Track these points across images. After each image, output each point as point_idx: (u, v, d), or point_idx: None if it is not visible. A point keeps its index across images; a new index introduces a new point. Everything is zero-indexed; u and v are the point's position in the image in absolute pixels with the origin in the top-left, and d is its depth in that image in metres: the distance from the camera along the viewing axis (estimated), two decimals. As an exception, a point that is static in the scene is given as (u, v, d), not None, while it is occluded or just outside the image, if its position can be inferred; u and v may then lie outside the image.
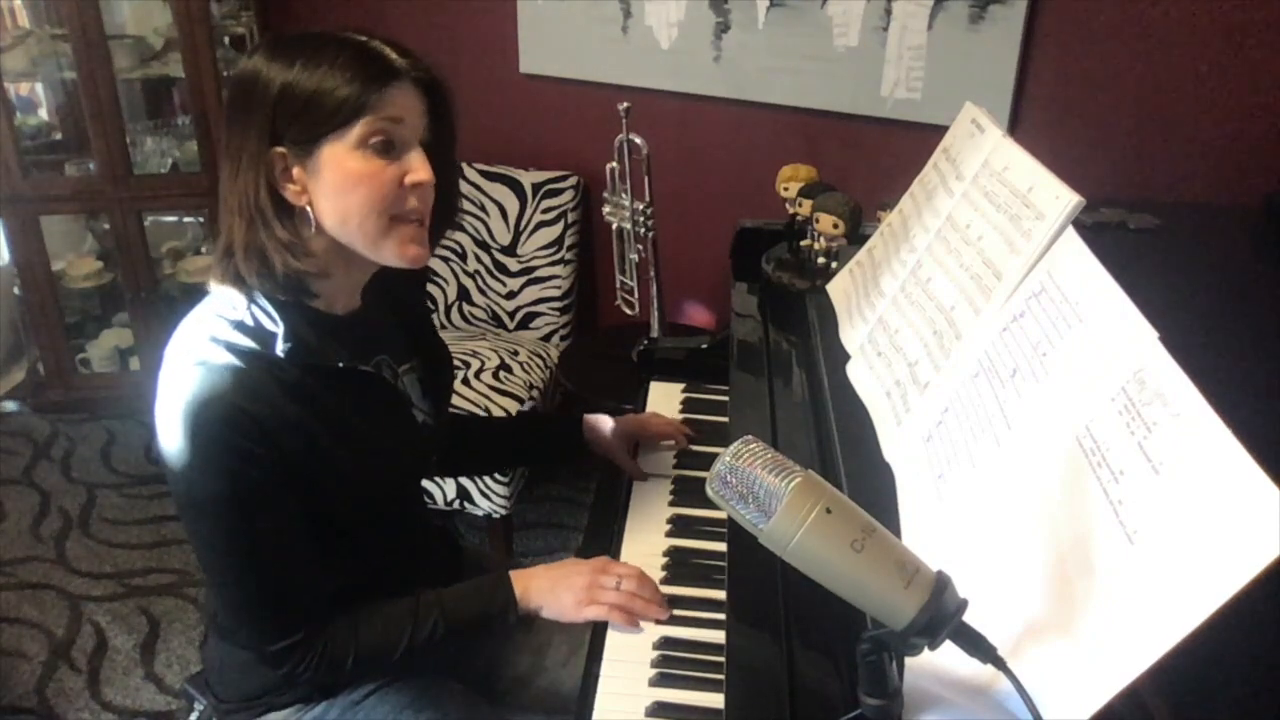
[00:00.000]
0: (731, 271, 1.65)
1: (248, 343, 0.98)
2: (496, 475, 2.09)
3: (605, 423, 1.42)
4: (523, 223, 2.58)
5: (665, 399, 1.58)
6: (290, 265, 0.98)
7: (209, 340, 0.98)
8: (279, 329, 0.99)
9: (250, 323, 1.00)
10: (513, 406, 2.24)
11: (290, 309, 1.01)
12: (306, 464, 1.00)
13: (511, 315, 2.64)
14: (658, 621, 1.11)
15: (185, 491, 0.98)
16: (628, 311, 2.29)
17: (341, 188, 0.97)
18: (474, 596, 1.14)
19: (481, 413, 2.17)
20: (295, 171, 0.97)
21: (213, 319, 1.01)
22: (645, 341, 1.64)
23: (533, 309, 2.62)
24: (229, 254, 1.00)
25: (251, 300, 1.01)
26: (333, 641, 1.06)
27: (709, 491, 0.70)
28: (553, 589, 1.13)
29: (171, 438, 0.97)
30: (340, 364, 1.04)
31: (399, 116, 0.97)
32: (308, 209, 0.98)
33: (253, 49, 0.99)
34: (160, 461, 1.01)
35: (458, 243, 2.64)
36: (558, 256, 2.57)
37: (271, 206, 0.97)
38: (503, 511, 2.14)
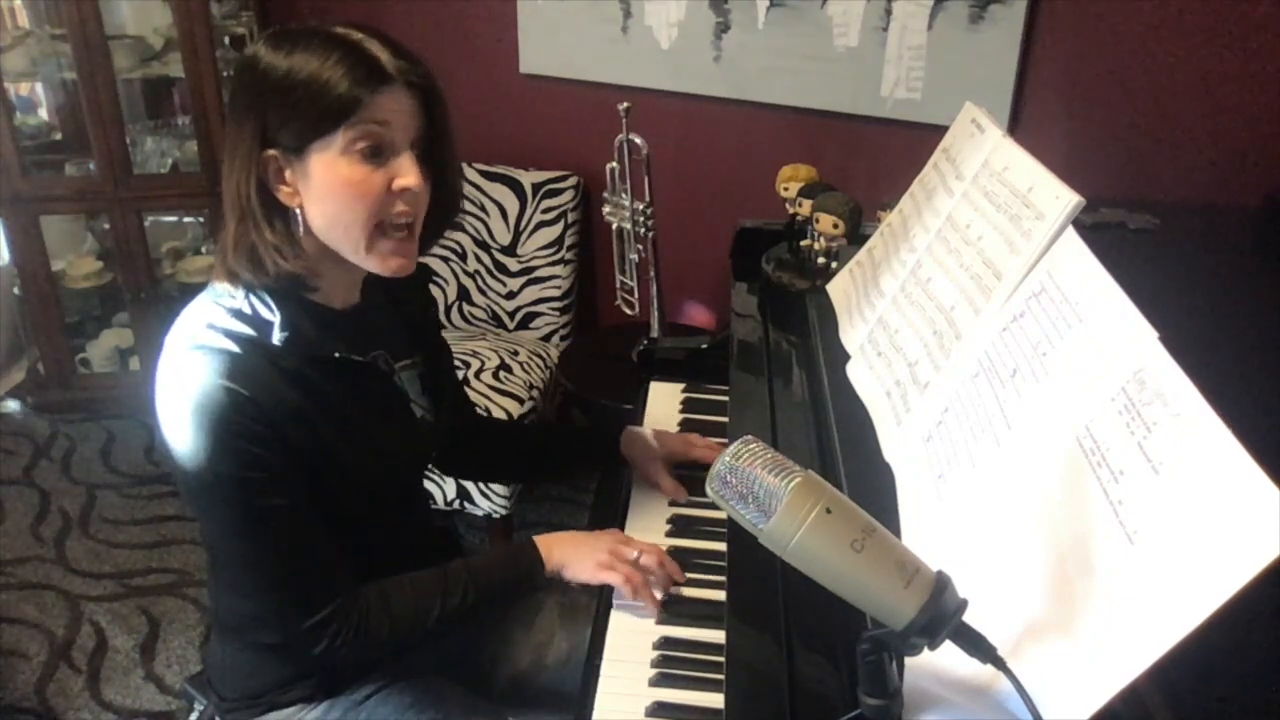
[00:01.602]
0: (731, 271, 1.65)
1: (245, 330, 0.99)
2: (497, 475, 2.09)
3: (646, 438, 1.38)
4: (523, 223, 2.58)
5: (665, 399, 1.58)
6: (280, 265, 0.99)
7: (207, 327, 0.99)
8: (276, 318, 1.00)
9: (248, 311, 1.01)
10: (513, 406, 2.24)
11: (288, 300, 1.02)
12: (309, 452, 1.01)
13: (511, 315, 2.64)
14: (658, 622, 1.12)
15: (195, 477, 0.98)
16: (628, 311, 2.29)
17: (329, 193, 0.97)
18: (501, 560, 1.16)
19: (481, 412, 2.17)
20: (287, 174, 0.98)
21: (211, 306, 1.01)
22: (645, 341, 1.64)
23: (533, 309, 2.62)
24: (226, 250, 1.01)
25: (250, 290, 1.01)
26: (367, 612, 1.06)
27: (709, 491, 0.70)
28: (576, 549, 1.16)
29: (174, 425, 0.98)
30: (336, 354, 1.04)
31: (386, 120, 0.96)
32: (298, 211, 0.99)
33: (260, 36, 1.00)
34: (165, 453, 1.01)
35: (458, 243, 2.64)
36: (558, 256, 2.57)
37: (262, 207, 0.98)
38: (503, 511, 2.15)
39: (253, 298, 1.01)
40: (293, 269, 1.00)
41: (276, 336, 0.99)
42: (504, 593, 1.15)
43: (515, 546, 1.17)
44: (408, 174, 0.98)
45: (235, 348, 0.98)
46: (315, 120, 0.94)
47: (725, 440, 1.41)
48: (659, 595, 1.13)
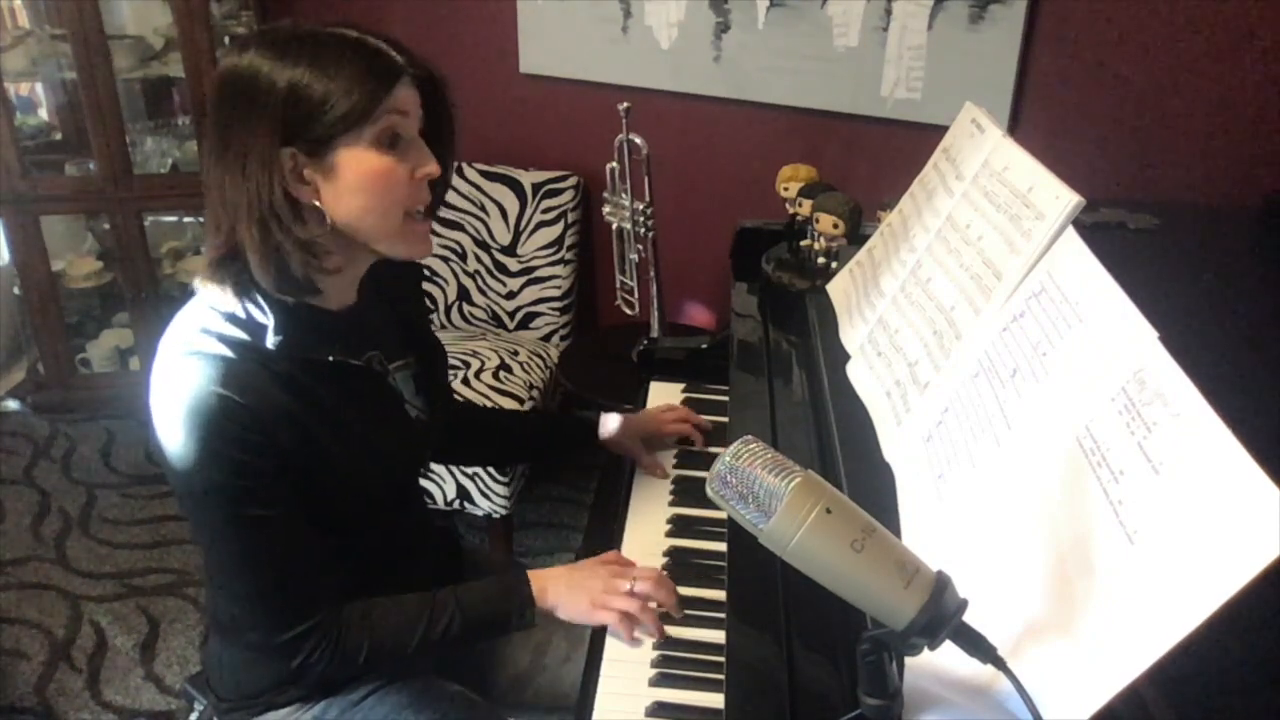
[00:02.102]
0: (731, 271, 1.65)
1: (239, 334, 0.99)
2: (496, 475, 2.09)
3: (619, 421, 1.41)
4: (523, 223, 2.58)
5: (665, 399, 1.57)
6: (310, 264, 0.99)
7: (200, 332, 0.99)
8: (269, 321, 1.00)
9: (241, 315, 1.00)
10: (512, 406, 2.23)
11: (281, 304, 1.01)
12: (301, 456, 1.00)
13: (511, 315, 2.64)
14: (658, 635, 1.11)
15: (185, 481, 0.98)
16: (628, 311, 2.29)
17: (361, 186, 0.98)
18: (491, 593, 1.13)
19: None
20: (306, 172, 0.97)
21: (205, 311, 1.01)
22: (645, 341, 1.64)
23: (533, 309, 2.62)
24: (233, 258, 0.99)
25: (243, 293, 1.01)
26: (346, 630, 1.06)
27: (709, 491, 0.70)
28: (569, 590, 1.13)
29: (167, 429, 0.97)
30: (330, 357, 1.04)
31: (406, 111, 0.99)
32: (319, 207, 0.99)
33: (242, 45, 0.98)
34: (159, 456, 1.01)
35: (458, 243, 2.64)
36: (558, 256, 2.57)
37: (289, 209, 0.97)
38: (503, 511, 2.14)
39: (246, 301, 1.01)
40: (321, 265, 1.00)
41: (270, 340, 0.99)
42: (490, 628, 1.13)
43: (509, 582, 1.14)
44: (429, 162, 1.01)
45: (229, 353, 0.97)
46: (342, 117, 0.95)
47: (696, 417, 1.47)
48: (670, 610, 1.11)
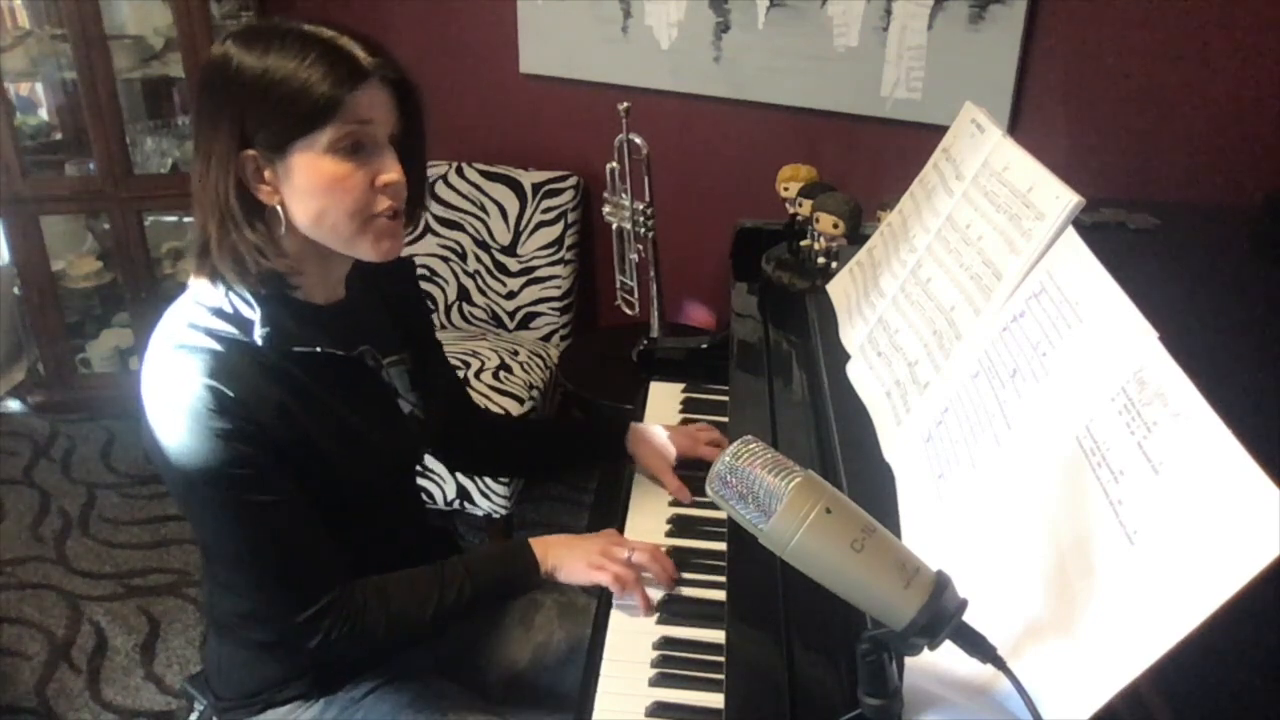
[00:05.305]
0: (731, 271, 1.65)
1: (226, 328, 0.99)
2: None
3: (655, 437, 1.37)
4: (523, 223, 2.58)
5: (665, 399, 1.58)
6: (262, 265, 0.99)
7: (189, 326, 1.00)
8: (256, 315, 1.00)
9: (229, 309, 1.01)
10: (513, 406, 2.23)
11: (268, 298, 1.02)
12: (292, 449, 1.01)
13: (511, 315, 2.64)
14: (653, 614, 1.12)
15: (183, 476, 0.98)
16: (628, 311, 2.29)
17: (314, 191, 0.97)
18: (497, 559, 1.17)
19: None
20: (266, 173, 0.98)
21: (192, 306, 1.02)
22: (645, 341, 1.64)
23: (533, 309, 2.62)
24: (205, 252, 1.01)
25: (229, 288, 1.01)
26: (363, 606, 1.06)
27: (709, 491, 0.70)
28: (569, 551, 1.16)
29: (162, 424, 0.98)
30: (319, 349, 1.04)
31: (368, 118, 0.97)
32: (279, 209, 0.99)
33: (224, 36, 0.99)
34: (154, 454, 1.01)
35: (457, 243, 2.64)
36: (558, 256, 2.57)
37: (241, 208, 0.98)
38: (503, 511, 2.15)
39: (233, 295, 1.01)
40: (275, 268, 1.00)
41: (258, 333, 0.99)
42: (499, 592, 1.16)
43: (512, 546, 1.18)
44: (390, 170, 0.99)
45: (218, 346, 0.98)
46: (298, 120, 0.94)
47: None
48: (660, 593, 1.14)
